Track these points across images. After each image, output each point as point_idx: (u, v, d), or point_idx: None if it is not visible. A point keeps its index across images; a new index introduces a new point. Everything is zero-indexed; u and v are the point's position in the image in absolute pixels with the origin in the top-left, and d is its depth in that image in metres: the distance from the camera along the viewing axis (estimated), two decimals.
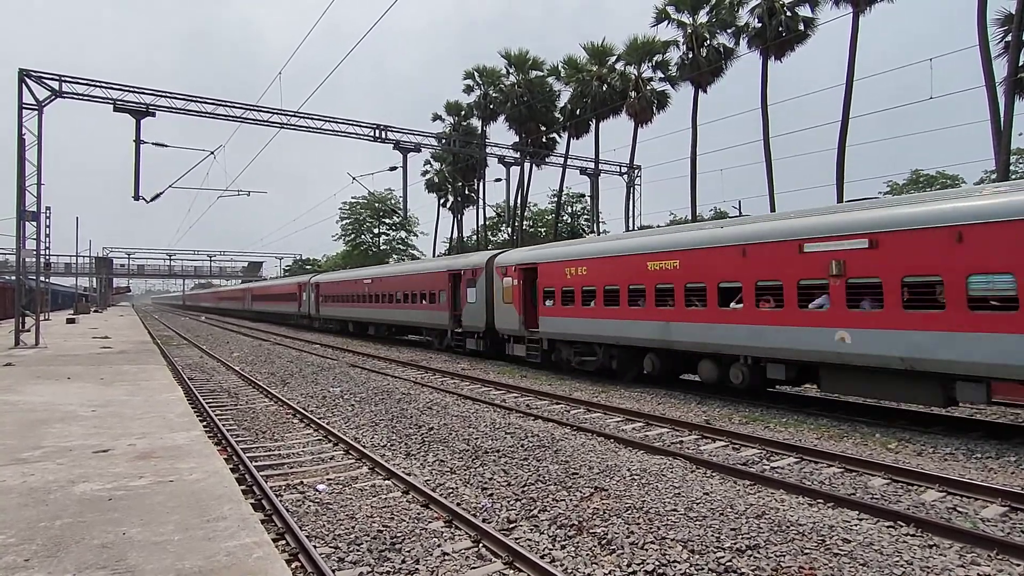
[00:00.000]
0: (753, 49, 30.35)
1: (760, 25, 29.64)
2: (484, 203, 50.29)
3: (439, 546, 5.79)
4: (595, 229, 42.59)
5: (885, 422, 10.72)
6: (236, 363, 21.48)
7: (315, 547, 5.63)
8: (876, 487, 7.42)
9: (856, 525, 6.19)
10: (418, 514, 6.66)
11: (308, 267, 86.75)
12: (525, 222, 52.64)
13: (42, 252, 29.05)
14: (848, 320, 10.61)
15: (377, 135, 30.07)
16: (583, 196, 54.14)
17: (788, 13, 28.96)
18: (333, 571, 5.18)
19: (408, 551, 5.67)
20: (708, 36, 32.54)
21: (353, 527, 6.29)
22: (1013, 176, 32.84)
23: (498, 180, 47.29)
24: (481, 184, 49.26)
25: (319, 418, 11.75)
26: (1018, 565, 5.27)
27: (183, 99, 26.16)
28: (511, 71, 42.35)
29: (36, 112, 22.86)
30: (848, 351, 10.58)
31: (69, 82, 23.84)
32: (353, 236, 69.66)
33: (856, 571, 5.14)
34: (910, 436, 9.76)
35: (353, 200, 68.54)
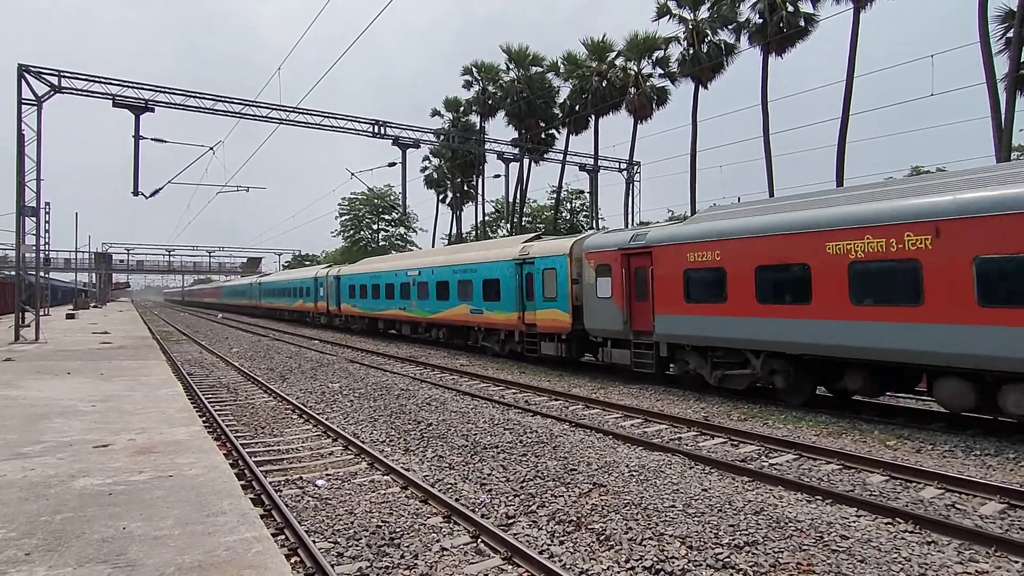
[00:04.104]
0: (754, 45, 30.30)
1: (761, 21, 29.56)
2: (483, 199, 50.31)
3: (438, 541, 5.81)
4: (594, 225, 42.56)
5: (884, 419, 10.73)
6: (235, 359, 21.49)
7: (314, 542, 5.66)
8: (874, 484, 7.43)
9: (854, 522, 6.21)
10: (417, 509, 6.68)
11: (307, 262, 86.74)
12: (524, 218, 52.61)
13: (42, 248, 29.03)
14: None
15: (376, 131, 30.05)
16: (582, 192, 54.14)
17: (789, 9, 28.87)
18: (332, 566, 5.20)
19: (407, 546, 5.69)
20: (709, 32, 32.47)
21: (352, 522, 6.31)
22: None
23: (497, 176, 47.42)
24: (480, 180, 49.26)
25: (318, 414, 11.76)
26: (1016, 562, 5.28)
27: (182, 95, 26.14)
28: (511, 67, 42.26)
29: (35, 108, 22.82)
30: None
31: (68, 77, 23.81)
32: (352, 232, 69.65)
33: (854, 567, 5.16)
34: (909, 433, 9.77)
35: (352, 196, 68.63)
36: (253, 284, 58.82)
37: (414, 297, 25.21)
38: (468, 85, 44.34)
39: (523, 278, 18.48)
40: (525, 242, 19.36)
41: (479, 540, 5.82)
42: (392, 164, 32.56)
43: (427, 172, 55.20)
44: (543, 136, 42.48)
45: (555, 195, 47.97)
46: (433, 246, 57.58)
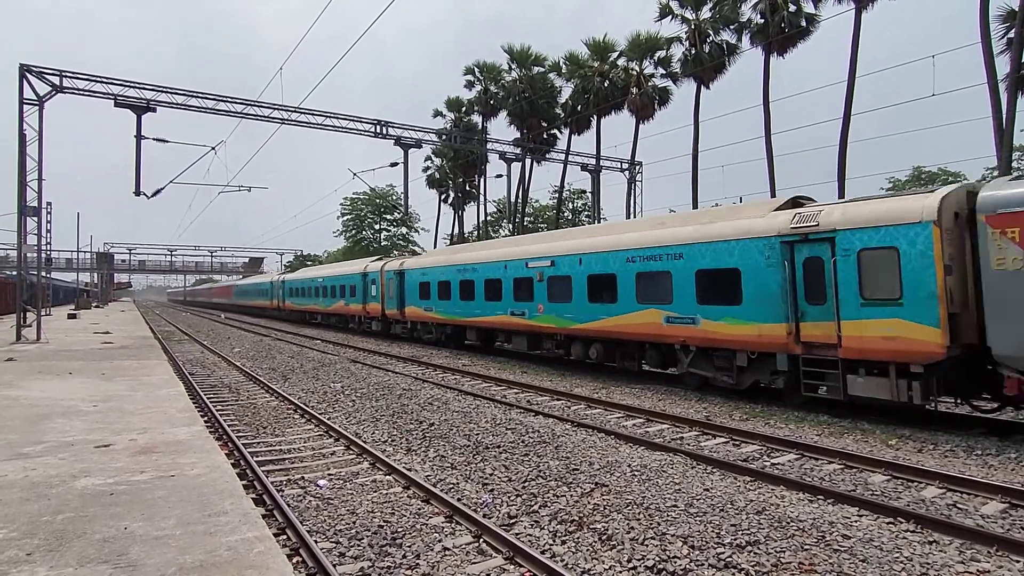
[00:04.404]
0: (756, 45, 30.29)
1: (763, 21, 29.55)
2: (485, 199, 50.30)
3: (440, 541, 5.80)
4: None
5: (886, 419, 10.71)
6: (237, 359, 21.51)
7: (316, 542, 5.66)
8: (876, 483, 7.43)
9: (856, 521, 6.20)
10: (419, 509, 6.67)
11: (309, 262, 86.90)
12: (526, 218, 52.63)
13: (43, 247, 29.04)
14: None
15: (378, 131, 30.05)
16: (584, 192, 54.15)
17: (791, 9, 28.86)
18: (334, 566, 5.20)
19: (409, 546, 5.69)
20: (711, 32, 32.46)
21: (354, 522, 6.31)
22: (1016, 171, 32.62)
23: (499, 176, 47.41)
24: (482, 180, 49.24)
25: (320, 413, 11.77)
26: (1017, 561, 5.28)
27: (184, 95, 26.15)
28: (513, 67, 42.28)
29: (37, 107, 22.85)
30: None
31: (70, 77, 23.84)
32: (354, 232, 69.79)
33: (856, 567, 5.15)
34: (911, 433, 9.76)
35: (354, 196, 68.82)
36: (275, 282, 51.99)
37: (541, 298, 17.80)
38: (470, 85, 44.40)
39: (795, 267, 11.41)
40: (786, 207, 12.43)
41: (481, 540, 5.82)
42: (394, 164, 32.59)
43: (429, 172, 55.28)
44: (545, 136, 42.48)
45: (557, 195, 48.00)
46: (435, 246, 57.61)
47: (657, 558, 5.35)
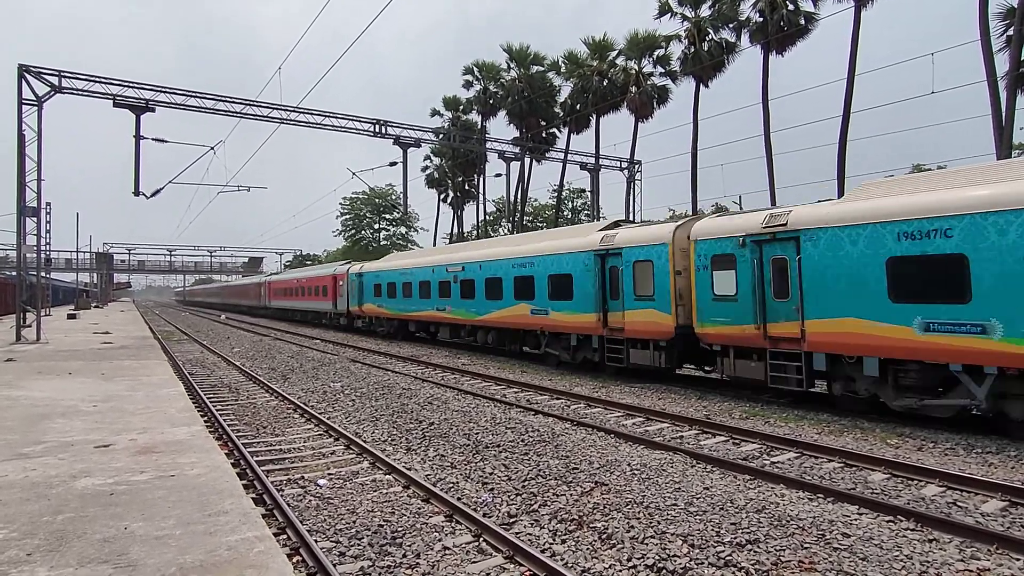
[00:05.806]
0: (755, 44, 30.28)
1: (762, 20, 29.54)
2: (484, 198, 50.30)
3: (440, 540, 5.80)
4: None
5: (886, 417, 10.71)
6: (237, 358, 21.50)
7: (316, 541, 5.66)
8: (876, 482, 7.43)
9: (856, 520, 6.20)
10: (419, 509, 6.67)
11: (308, 262, 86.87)
12: (525, 217, 52.63)
13: (43, 248, 29.03)
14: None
15: (377, 130, 30.01)
16: (584, 191, 54.20)
17: (790, 7, 28.86)
18: (334, 565, 5.20)
19: (409, 545, 5.69)
20: (710, 30, 32.46)
21: (354, 522, 6.31)
22: None
23: (498, 175, 47.41)
24: (481, 179, 49.25)
25: (320, 413, 11.77)
26: (1017, 559, 5.28)
27: (183, 95, 26.11)
28: (512, 66, 42.27)
29: (36, 108, 22.82)
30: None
31: (69, 77, 23.80)
32: (353, 232, 69.80)
33: (856, 565, 5.15)
34: (911, 431, 9.76)
35: (353, 195, 68.81)
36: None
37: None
38: (468, 85, 44.38)
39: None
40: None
41: (481, 539, 5.82)
42: (393, 164, 32.57)
43: (428, 171, 55.26)
44: (544, 135, 42.47)
45: (556, 194, 48.00)
46: (435, 245, 57.58)
47: (657, 557, 5.35)
